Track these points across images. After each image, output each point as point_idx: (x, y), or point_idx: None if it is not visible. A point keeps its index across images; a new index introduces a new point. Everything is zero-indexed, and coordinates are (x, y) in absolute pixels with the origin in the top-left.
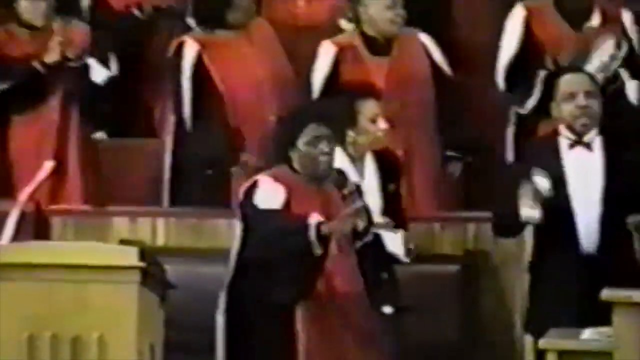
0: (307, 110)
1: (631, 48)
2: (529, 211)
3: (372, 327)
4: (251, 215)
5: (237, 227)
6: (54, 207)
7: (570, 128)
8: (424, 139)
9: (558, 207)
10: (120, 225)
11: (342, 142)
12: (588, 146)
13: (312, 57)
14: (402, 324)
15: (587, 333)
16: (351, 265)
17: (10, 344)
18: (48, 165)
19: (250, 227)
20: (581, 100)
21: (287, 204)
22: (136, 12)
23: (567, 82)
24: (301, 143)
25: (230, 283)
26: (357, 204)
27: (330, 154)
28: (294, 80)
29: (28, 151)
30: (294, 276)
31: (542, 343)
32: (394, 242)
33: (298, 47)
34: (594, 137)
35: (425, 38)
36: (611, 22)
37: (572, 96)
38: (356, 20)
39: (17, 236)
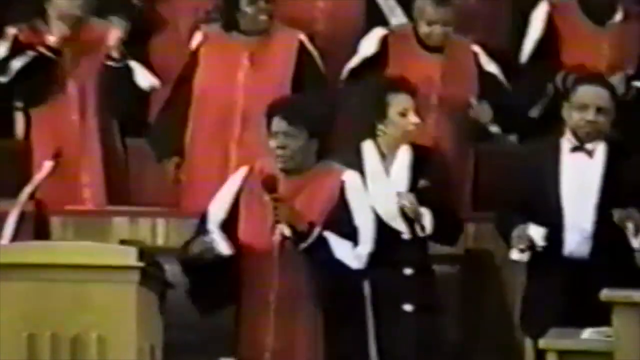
0: (278, 102)
1: None
2: (518, 255)
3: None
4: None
5: None
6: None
7: (575, 134)
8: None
9: (550, 209)
10: (121, 225)
11: (371, 135)
12: (589, 153)
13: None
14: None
15: (587, 333)
16: (294, 265)
17: (10, 343)
18: (48, 164)
19: None
20: (591, 115)
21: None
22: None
23: (583, 91)
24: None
25: None
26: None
27: (284, 148)
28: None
29: (47, 151)
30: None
31: (542, 343)
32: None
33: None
34: (597, 145)
35: (477, 48)
36: (633, 18)
37: (583, 108)
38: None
39: (17, 236)
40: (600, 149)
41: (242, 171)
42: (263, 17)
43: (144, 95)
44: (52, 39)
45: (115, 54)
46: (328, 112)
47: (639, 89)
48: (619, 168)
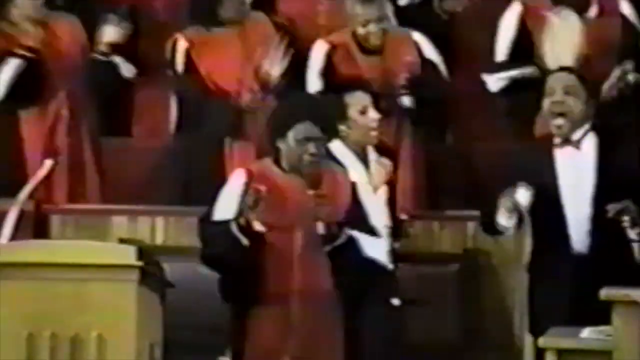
0: (304, 107)
1: (636, 38)
2: (505, 221)
3: (319, 329)
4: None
5: None
6: (53, 206)
7: (552, 123)
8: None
9: (549, 206)
10: (119, 224)
11: (337, 137)
12: (577, 145)
13: None
14: (403, 321)
15: (587, 332)
16: (319, 263)
17: (10, 342)
18: (48, 163)
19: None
20: (557, 96)
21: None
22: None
23: (551, 79)
24: (291, 137)
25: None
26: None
27: (316, 156)
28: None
29: (39, 149)
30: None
31: (542, 342)
32: (374, 247)
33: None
34: (584, 136)
35: (418, 37)
36: (609, 14)
37: (551, 92)
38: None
39: (16, 235)
40: (588, 141)
41: (241, 174)
42: (243, 4)
43: (127, 84)
44: (29, 40)
45: (103, 49)
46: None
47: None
48: (610, 158)
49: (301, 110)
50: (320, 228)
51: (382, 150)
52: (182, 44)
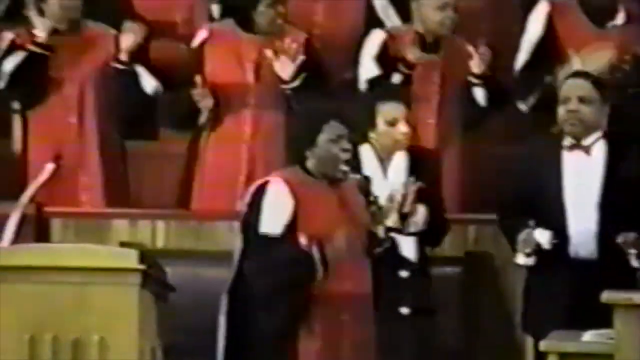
0: (326, 107)
1: None
2: (524, 260)
3: (368, 334)
4: (252, 238)
5: (239, 230)
6: (54, 209)
7: (565, 130)
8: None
9: (553, 210)
10: (121, 227)
11: (367, 140)
12: (587, 150)
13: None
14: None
15: (588, 335)
16: (361, 266)
17: (11, 346)
18: (49, 167)
19: (249, 252)
20: (572, 105)
21: (295, 212)
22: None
23: (566, 86)
24: (322, 140)
25: (233, 286)
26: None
27: (349, 152)
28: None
29: (45, 154)
30: (292, 304)
31: (543, 345)
32: (407, 246)
33: None
34: (594, 142)
35: (472, 49)
36: (635, 21)
37: (566, 100)
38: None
39: (17, 238)
40: (598, 146)
41: (280, 183)
42: (279, 21)
43: (148, 100)
44: (40, 35)
45: (124, 57)
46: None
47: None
48: (619, 165)
49: (327, 113)
50: (381, 232)
51: (420, 154)
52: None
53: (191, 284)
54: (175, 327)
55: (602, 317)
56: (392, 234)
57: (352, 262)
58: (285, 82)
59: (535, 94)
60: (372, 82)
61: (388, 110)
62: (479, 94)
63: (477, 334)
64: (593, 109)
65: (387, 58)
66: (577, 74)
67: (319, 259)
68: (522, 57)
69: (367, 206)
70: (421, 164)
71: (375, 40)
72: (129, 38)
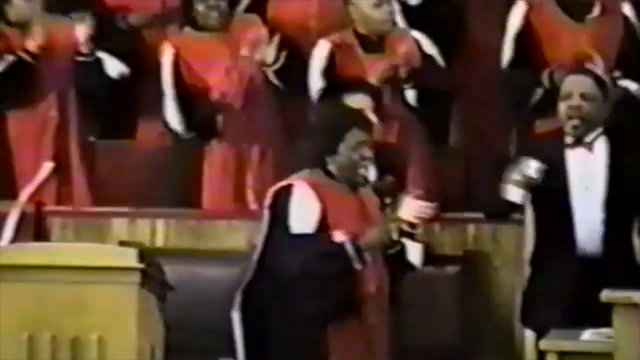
0: (348, 115)
1: (635, 39)
2: (513, 190)
3: (387, 334)
4: (282, 238)
5: (262, 230)
6: (53, 208)
7: (566, 126)
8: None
9: (557, 206)
10: (120, 226)
11: None
12: (589, 147)
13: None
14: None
15: (588, 334)
16: (381, 268)
17: (10, 345)
18: (48, 166)
19: (281, 251)
20: (574, 101)
21: (323, 214)
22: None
23: (567, 81)
24: (343, 148)
25: (250, 284)
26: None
27: (370, 159)
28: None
29: (27, 150)
30: (334, 295)
31: (543, 344)
32: (414, 251)
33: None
34: (596, 138)
35: (418, 35)
36: (611, 13)
37: (568, 96)
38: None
39: (16, 237)
40: (600, 143)
41: (304, 188)
42: (214, 14)
43: (115, 84)
44: (32, 44)
45: (84, 49)
46: None
47: (625, 88)
48: (623, 161)
49: (347, 119)
50: (395, 234)
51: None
52: (169, 51)
53: (190, 283)
54: (175, 326)
55: (608, 314)
56: (404, 239)
57: (375, 263)
58: (269, 65)
59: (535, 94)
60: (323, 97)
61: (356, 101)
62: (410, 95)
63: (476, 332)
64: (595, 104)
65: (334, 68)
66: (577, 71)
67: (354, 253)
68: (506, 56)
69: (383, 209)
70: (387, 159)
71: (321, 52)
72: (82, 29)
